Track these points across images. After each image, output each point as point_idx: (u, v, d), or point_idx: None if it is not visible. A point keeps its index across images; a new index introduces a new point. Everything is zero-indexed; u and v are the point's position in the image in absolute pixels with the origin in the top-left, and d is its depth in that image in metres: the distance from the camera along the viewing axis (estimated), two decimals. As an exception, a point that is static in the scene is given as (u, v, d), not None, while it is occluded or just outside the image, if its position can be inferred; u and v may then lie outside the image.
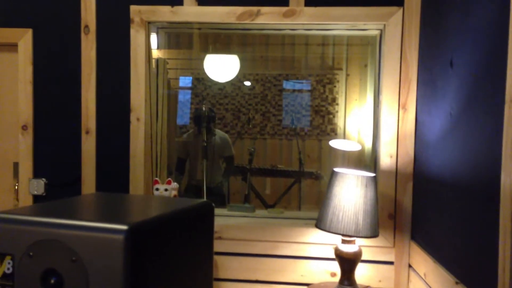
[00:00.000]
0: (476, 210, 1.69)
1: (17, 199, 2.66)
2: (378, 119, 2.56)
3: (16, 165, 2.68)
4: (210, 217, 1.52)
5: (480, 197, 1.66)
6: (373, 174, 2.26)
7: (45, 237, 1.06)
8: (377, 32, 2.60)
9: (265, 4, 2.48)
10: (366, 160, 4.29)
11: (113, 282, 1.00)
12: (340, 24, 2.50)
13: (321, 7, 2.45)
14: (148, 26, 2.57)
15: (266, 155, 6.06)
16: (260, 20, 2.48)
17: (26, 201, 2.63)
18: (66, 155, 2.63)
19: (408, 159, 2.45)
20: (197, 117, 4.11)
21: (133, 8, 2.54)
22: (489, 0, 1.62)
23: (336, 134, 6.06)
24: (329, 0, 2.46)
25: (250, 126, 5.89)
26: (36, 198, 2.64)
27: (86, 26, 2.57)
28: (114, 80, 2.59)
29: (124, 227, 1.06)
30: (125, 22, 2.55)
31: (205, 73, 4.72)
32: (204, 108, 3.88)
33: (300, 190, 5.04)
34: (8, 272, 1.08)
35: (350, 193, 2.19)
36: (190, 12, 2.52)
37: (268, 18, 2.48)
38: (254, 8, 2.48)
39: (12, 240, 1.09)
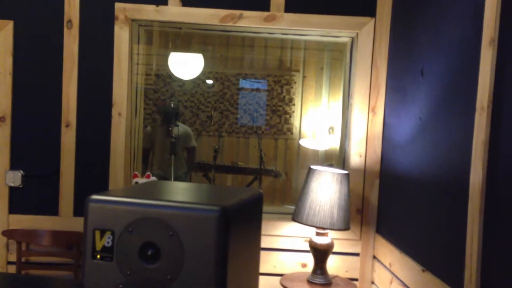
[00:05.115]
0: (445, 204, 1.90)
1: (-8, 191, 2.64)
2: (348, 121, 2.75)
3: (-9, 156, 2.66)
4: (261, 204, 1.75)
5: (448, 193, 1.86)
6: (346, 172, 2.44)
7: (144, 215, 1.17)
8: (347, 40, 2.79)
9: (247, 8, 2.61)
10: (322, 157, 4.50)
11: (206, 255, 1.13)
12: (316, 30, 2.66)
13: (300, 14, 2.61)
14: (132, 23, 2.63)
15: (223, 153, 6.18)
16: (242, 24, 2.61)
17: (1, 192, 2.62)
18: (45, 148, 2.64)
19: (375, 158, 2.66)
20: (164, 113, 4.20)
21: (118, 5, 2.59)
22: (461, 19, 1.83)
23: (292, 133, 6.26)
24: (307, 8, 2.62)
25: (212, 123, 5.99)
26: (12, 189, 2.63)
27: (69, 21, 2.60)
28: (96, 75, 2.63)
29: (218, 208, 1.20)
30: (109, 19, 2.60)
31: (164, 70, 4.78)
32: (172, 105, 3.96)
33: (261, 187, 5.19)
34: (108, 245, 1.18)
35: (326, 189, 2.36)
36: (174, 12, 2.61)
37: (249, 22, 2.61)
38: (237, 12, 2.60)
39: (113, 219, 1.19)
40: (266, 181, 5.54)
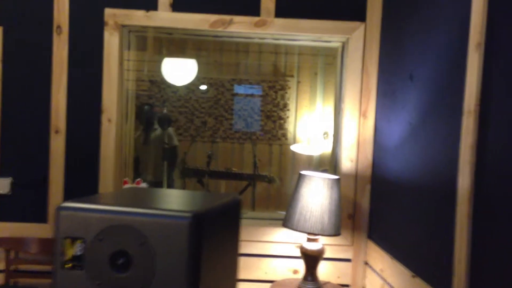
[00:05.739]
0: (434, 209, 1.89)
1: (-20, 198, 2.62)
2: (339, 125, 2.74)
3: (-21, 164, 2.64)
4: (239, 209, 1.72)
5: (437, 198, 1.85)
6: (337, 177, 2.43)
7: (115, 222, 1.15)
8: (338, 44, 2.79)
9: (237, 13, 2.60)
10: (317, 163, 4.49)
11: (178, 262, 1.11)
12: (307, 35, 2.66)
13: (290, 18, 2.61)
14: (122, 29, 2.62)
15: (218, 158, 6.16)
16: (232, 29, 2.60)
17: (-10, 200, 2.60)
18: (34, 154, 2.62)
19: (367, 163, 2.65)
20: (149, 118, 4.22)
21: (108, 11, 2.58)
22: (448, 23, 1.83)
23: (286, 139, 6.26)
24: (298, 13, 2.62)
25: (206, 129, 5.98)
26: (0, 197, 2.61)
27: (59, 27, 2.59)
28: (86, 81, 2.62)
29: (189, 214, 1.18)
30: (99, 24, 2.59)
31: (159, 76, 4.78)
32: (165, 111, 3.96)
33: (254, 193, 5.18)
34: (78, 254, 1.16)
35: (317, 195, 2.35)
36: (165, 18, 2.60)
37: (240, 27, 2.60)
38: (227, 17, 2.60)
39: (83, 226, 1.17)
40: (260, 187, 5.53)
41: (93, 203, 1.22)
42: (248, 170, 5.40)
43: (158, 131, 4.41)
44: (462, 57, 1.66)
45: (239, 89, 6.35)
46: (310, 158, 5.21)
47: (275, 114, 6.32)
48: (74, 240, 1.16)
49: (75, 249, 1.15)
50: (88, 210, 1.18)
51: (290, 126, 6.30)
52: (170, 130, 4.70)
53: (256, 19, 2.60)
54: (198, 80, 6.18)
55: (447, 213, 1.72)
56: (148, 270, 1.15)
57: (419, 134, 2.06)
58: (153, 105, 5.78)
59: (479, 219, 1.55)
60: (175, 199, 1.54)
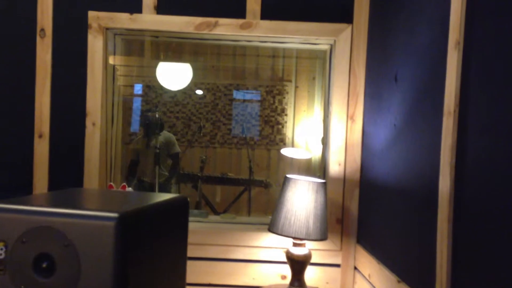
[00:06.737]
0: (417, 213, 1.84)
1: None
2: (327, 129, 2.70)
3: (-37, 168, 2.61)
4: (186, 210, 1.63)
5: (420, 202, 1.81)
6: (323, 180, 2.39)
7: (38, 224, 1.10)
8: (327, 47, 2.75)
9: (223, 15, 2.57)
10: (315, 168, 4.46)
11: (104, 266, 1.06)
12: (294, 37, 2.62)
13: (276, 21, 2.57)
14: (106, 32, 2.60)
15: (216, 164, 6.13)
16: (217, 31, 2.57)
17: (-27, 205, 2.57)
18: (18, 159, 2.59)
19: (355, 167, 2.60)
20: (147, 124, 4.21)
21: (91, 14, 2.56)
22: (430, 22, 1.79)
23: (284, 144, 6.22)
24: (284, 14, 2.59)
25: (201, 134, 5.96)
26: (-16, 202, 2.58)
27: (42, 30, 2.57)
28: (70, 85, 2.59)
29: (115, 215, 1.13)
30: (83, 27, 2.56)
31: (156, 81, 4.76)
32: (157, 115, 3.94)
33: (250, 198, 5.14)
34: (0, 257, 1.11)
35: (302, 198, 2.30)
36: (149, 20, 2.57)
37: (225, 29, 2.57)
38: (212, 19, 2.57)
39: (5, 228, 1.12)
40: (257, 192, 5.49)
41: (17, 203, 1.18)
42: (245, 175, 5.36)
43: (161, 136, 4.43)
44: (443, 56, 1.62)
45: (238, 95, 6.33)
46: (308, 162, 5.16)
47: (273, 119, 6.29)
48: (-5, 242, 1.12)
49: (-4, 253, 1.11)
50: (11, 210, 1.13)
51: (288, 131, 6.26)
52: (171, 136, 4.72)
53: (241, 21, 2.57)
54: (195, 85, 6.17)
55: (429, 217, 1.68)
56: (73, 274, 1.09)
57: (403, 136, 2.02)
58: (150, 110, 5.78)
59: (460, 223, 1.50)
60: (107, 200, 1.50)
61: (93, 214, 1.14)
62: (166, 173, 4.61)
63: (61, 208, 1.15)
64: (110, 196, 1.58)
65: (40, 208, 1.15)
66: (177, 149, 4.70)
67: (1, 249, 1.11)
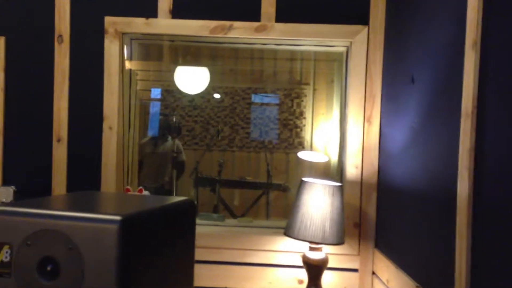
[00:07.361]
0: (435, 217, 1.80)
1: (-15, 207, 2.64)
2: (344, 132, 2.67)
3: (-16, 173, 2.66)
4: (192, 214, 1.61)
5: (438, 205, 1.77)
6: (339, 184, 2.36)
7: (43, 227, 1.11)
8: (343, 49, 2.72)
9: (237, 19, 2.57)
10: (333, 172, 4.41)
11: (107, 268, 1.06)
12: (309, 40, 2.61)
13: (291, 23, 2.56)
14: (122, 37, 2.62)
15: (234, 167, 6.13)
16: (232, 34, 2.57)
17: (-6, 209, 2.61)
18: (37, 163, 2.63)
19: (372, 170, 2.57)
20: (164, 128, 4.23)
21: (108, 19, 2.58)
22: (446, 23, 1.76)
23: (303, 147, 6.18)
24: (299, 17, 2.57)
25: (219, 138, 5.97)
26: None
27: (60, 36, 2.60)
28: (87, 89, 2.62)
29: (118, 218, 1.13)
30: (99, 33, 2.59)
31: (175, 85, 4.78)
32: (174, 119, 3.96)
33: (268, 202, 5.12)
34: (5, 260, 1.13)
35: (318, 202, 2.28)
36: (164, 25, 2.58)
37: (240, 32, 2.57)
38: (227, 23, 2.56)
39: (11, 231, 1.13)
40: (276, 196, 5.46)
41: (23, 206, 1.18)
42: (264, 179, 5.35)
43: (168, 141, 4.45)
44: (460, 57, 1.58)
45: (256, 98, 6.32)
46: (327, 166, 5.12)
47: (291, 122, 6.27)
48: (1, 245, 1.12)
49: (2, 255, 1.12)
50: (16, 213, 1.14)
51: (306, 135, 6.23)
52: (180, 144, 4.73)
53: (256, 24, 2.56)
54: (213, 89, 6.18)
55: (448, 221, 1.64)
56: (77, 278, 1.09)
57: (420, 139, 1.98)
58: (168, 114, 5.81)
59: (479, 228, 1.46)
60: (113, 203, 1.50)
61: (97, 217, 1.14)
62: (167, 179, 4.64)
63: (65, 211, 1.15)
64: (119, 200, 1.59)
65: (44, 211, 1.16)
66: (184, 157, 4.72)
67: (6, 252, 1.12)
